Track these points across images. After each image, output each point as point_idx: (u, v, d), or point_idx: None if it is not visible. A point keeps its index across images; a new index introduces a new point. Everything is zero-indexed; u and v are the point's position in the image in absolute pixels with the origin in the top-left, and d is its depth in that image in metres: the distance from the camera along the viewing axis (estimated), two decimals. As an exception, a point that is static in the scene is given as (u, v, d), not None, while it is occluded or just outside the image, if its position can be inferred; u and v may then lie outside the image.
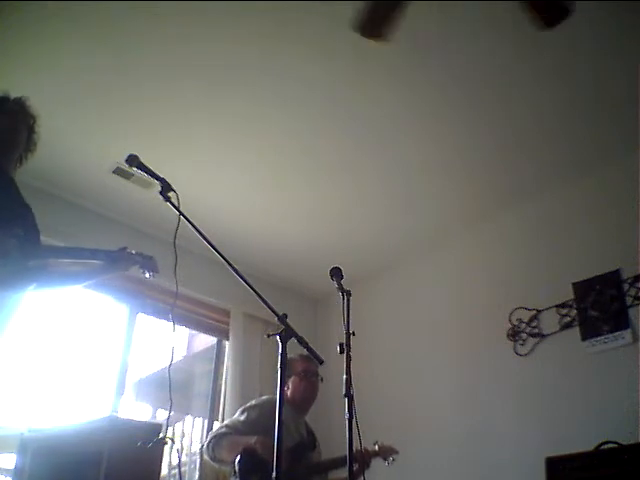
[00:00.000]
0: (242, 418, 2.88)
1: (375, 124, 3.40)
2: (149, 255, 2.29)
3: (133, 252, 2.28)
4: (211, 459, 2.80)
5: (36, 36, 2.84)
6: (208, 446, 2.78)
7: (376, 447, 3.01)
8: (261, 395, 3.59)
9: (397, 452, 3.06)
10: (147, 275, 2.31)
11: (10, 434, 2.80)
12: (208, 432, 4.42)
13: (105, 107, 3.27)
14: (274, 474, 1.73)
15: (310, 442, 3.03)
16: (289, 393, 3.04)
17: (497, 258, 4.09)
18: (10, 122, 2.17)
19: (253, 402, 3.01)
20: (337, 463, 2.92)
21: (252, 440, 2.63)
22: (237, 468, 2.60)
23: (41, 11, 2.69)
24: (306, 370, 3.07)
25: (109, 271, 2.25)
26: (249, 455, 2.61)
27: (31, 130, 2.24)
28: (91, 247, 2.25)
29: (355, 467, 2.87)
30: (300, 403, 3.05)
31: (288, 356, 2.93)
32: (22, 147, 2.22)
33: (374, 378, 4.24)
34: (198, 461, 3.23)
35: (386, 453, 3.02)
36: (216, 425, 4.35)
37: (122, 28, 2.82)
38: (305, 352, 2.90)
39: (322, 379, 3.11)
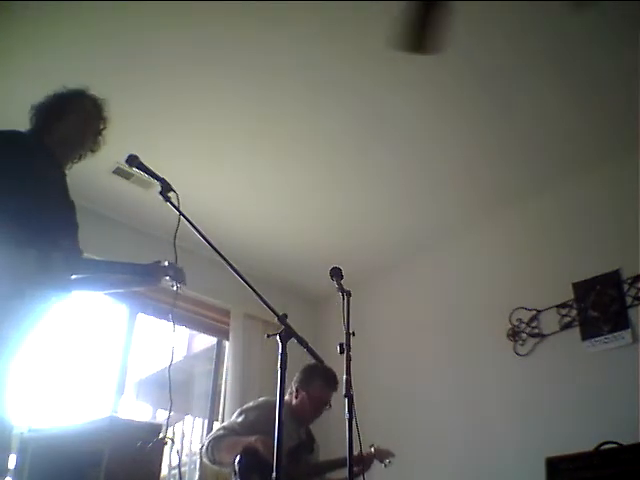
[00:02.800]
0: (240, 420, 2.85)
1: (376, 124, 3.40)
2: (180, 267, 2.27)
3: (166, 264, 2.24)
4: (210, 462, 2.78)
5: (35, 36, 2.84)
6: (207, 449, 2.76)
7: (372, 450, 2.99)
8: (260, 395, 3.58)
9: (394, 455, 3.04)
10: (175, 287, 2.29)
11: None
12: (208, 432, 4.43)
13: (105, 107, 3.26)
14: (274, 474, 1.72)
15: (308, 445, 3.01)
16: (294, 402, 3.01)
17: (497, 258, 4.09)
18: (80, 124, 2.17)
19: (251, 404, 2.98)
20: (335, 464, 2.91)
21: (252, 439, 2.62)
22: (237, 468, 2.58)
23: (38, 11, 2.69)
24: (323, 400, 3.00)
25: (141, 284, 2.30)
26: (250, 454, 2.59)
27: (99, 133, 2.24)
28: (127, 261, 2.25)
29: (355, 470, 2.88)
30: (300, 418, 3.01)
31: (313, 365, 2.93)
32: (86, 148, 2.22)
33: (374, 378, 4.24)
34: (198, 462, 3.22)
35: (383, 456, 3.00)
36: (216, 425, 4.35)
37: (122, 28, 2.82)
38: (329, 371, 2.91)
39: (330, 406, 3.02)
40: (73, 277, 2.06)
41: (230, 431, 2.81)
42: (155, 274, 2.21)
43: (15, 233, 1.84)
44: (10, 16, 2.72)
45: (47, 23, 2.78)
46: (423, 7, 1.98)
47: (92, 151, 2.26)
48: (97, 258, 2.43)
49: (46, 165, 2.07)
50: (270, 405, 2.67)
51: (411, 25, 2.03)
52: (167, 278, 2.22)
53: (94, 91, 3.15)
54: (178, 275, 2.23)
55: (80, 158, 2.24)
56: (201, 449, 2.85)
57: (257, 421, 2.78)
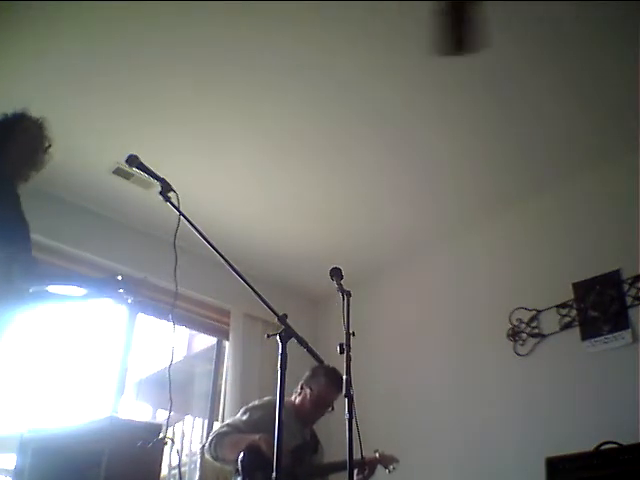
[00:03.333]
0: (244, 418, 2.85)
1: (377, 125, 3.40)
2: (140, 278, 2.37)
3: (119, 278, 2.35)
4: (213, 458, 2.77)
5: (34, 36, 2.84)
6: (210, 445, 2.75)
7: (377, 455, 2.99)
8: (260, 395, 3.58)
9: (398, 461, 3.04)
10: (128, 300, 2.38)
11: (10, 434, 2.80)
12: (208, 432, 4.43)
13: (105, 107, 3.27)
14: (274, 474, 1.73)
15: (313, 445, 3.01)
16: (298, 401, 3.02)
17: (497, 258, 4.09)
18: (32, 142, 2.30)
19: (256, 402, 2.98)
20: (339, 467, 2.90)
21: (256, 437, 2.62)
22: (240, 465, 2.58)
23: (38, 10, 2.69)
24: (325, 399, 2.99)
25: (96, 297, 2.35)
26: (253, 452, 2.58)
27: (45, 152, 2.36)
28: (82, 275, 2.38)
29: (360, 476, 2.88)
30: (304, 417, 3.02)
31: (318, 365, 2.93)
32: (37, 167, 2.34)
33: (374, 378, 4.24)
34: (198, 461, 3.21)
35: (387, 461, 3.00)
36: (216, 425, 4.35)
37: (121, 27, 2.82)
38: (336, 372, 2.91)
39: (333, 408, 3.01)
40: (31, 290, 2.18)
41: (234, 428, 2.80)
42: (109, 287, 2.31)
43: None
44: (10, 16, 2.72)
45: (47, 23, 2.77)
46: (455, 7, 1.94)
47: (37, 171, 2.36)
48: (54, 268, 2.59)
49: (4, 186, 2.19)
50: (275, 405, 2.71)
51: (445, 26, 1.98)
52: (121, 291, 2.32)
53: (94, 91, 3.17)
54: (132, 288, 2.34)
55: (28, 179, 2.34)
56: (204, 445, 2.84)
57: (261, 420, 2.77)
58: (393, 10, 2.67)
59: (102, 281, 2.34)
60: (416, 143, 3.54)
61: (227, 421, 3.02)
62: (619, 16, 2.69)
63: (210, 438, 2.80)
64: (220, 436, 2.77)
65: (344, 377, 2.18)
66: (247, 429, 2.76)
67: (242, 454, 2.59)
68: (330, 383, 2.96)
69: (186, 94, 3.19)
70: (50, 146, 2.35)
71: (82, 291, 2.34)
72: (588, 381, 3.32)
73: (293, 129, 3.45)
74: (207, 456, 2.81)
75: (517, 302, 3.78)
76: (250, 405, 2.97)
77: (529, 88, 3.13)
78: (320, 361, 2.10)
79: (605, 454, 2.51)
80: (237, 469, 2.68)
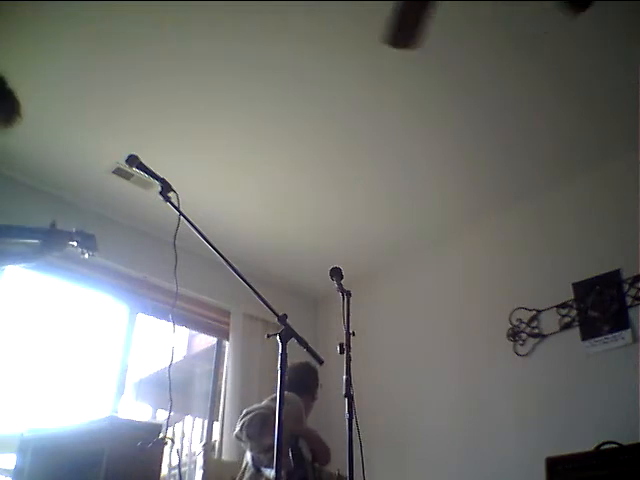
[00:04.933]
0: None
1: (377, 124, 3.39)
2: (89, 233, 2.26)
3: (73, 230, 2.25)
4: (249, 436, 2.66)
5: (34, 35, 2.83)
6: (250, 422, 2.66)
7: (337, 472, 2.91)
8: (260, 395, 3.58)
9: None
10: (86, 255, 2.27)
11: (10, 434, 2.80)
12: (208, 432, 4.43)
13: (105, 107, 3.27)
14: (274, 473, 1.73)
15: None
16: (307, 400, 3.06)
17: (497, 258, 4.09)
18: None
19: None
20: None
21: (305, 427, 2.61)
22: (292, 454, 2.54)
23: (38, 10, 2.69)
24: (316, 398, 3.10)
25: (46, 250, 2.24)
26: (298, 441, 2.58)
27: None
28: (30, 226, 2.21)
29: None
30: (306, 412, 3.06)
31: (309, 367, 2.95)
32: None
33: (374, 378, 4.24)
34: (200, 460, 3.20)
35: None
36: (216, 425, 4.36)
37: (121, 27, 2.81)
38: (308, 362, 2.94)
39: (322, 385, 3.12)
40: None
41: (273, 413, 2.76)
42: (55, 237, 2.20)
43: None
44: (9, 16, 2.72)
45: (47, 22, 2.77)
46: (407, 3, 2.05)
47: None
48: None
49: None
50: (296, 399, 2.81)
51: (394, 19, 2.10)
52: (74, 244, 2.22)
53: (94, 91, 3.17)
54: (86, 242, 2.24)
55: None
56: (243, 422, 2.71)
57: (293, 411, 2.75)
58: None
59: (52, 231, 2.22)
60: (417, 144, 3.54)
61: (257, 405, 2.90)
62: (619, 16, 2.69)
63: (250, 416, 2.69)
64: (263, 416, 2.67)
65: (344, 377, 2.18)
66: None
67: (294, 441, 2.54)
68: (314, 369, 3.06)
69: (186, 94, 3.19)
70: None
71: (35, 245, 2.22)
72: (588, 381, 3.32)
73: (293, 129, 3.45)
74: (241, 435, 2.70)
75: (517, 302, 3.78)
76: (273, 396, 2.93)
77: (529, 88, 3.12)
78: (320, 361, 2.10)
79: (605, 454, 2.52)
80: (291, 454, 2.65)
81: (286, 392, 2.95)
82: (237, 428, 2.76)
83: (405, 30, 2.13)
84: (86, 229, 2.28)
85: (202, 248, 1.97)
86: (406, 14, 2.08)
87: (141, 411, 6.67)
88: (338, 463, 2.88)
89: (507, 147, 3.55)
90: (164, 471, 4.63)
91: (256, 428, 2.65)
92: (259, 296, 1.93)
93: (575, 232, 3.70)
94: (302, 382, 3.07)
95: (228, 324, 4.57)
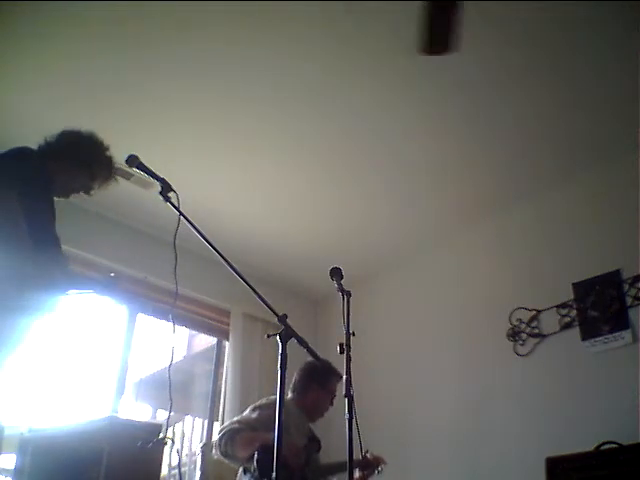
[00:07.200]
0: (254, 416, 2.78)
1: (376, 124, 3.39)
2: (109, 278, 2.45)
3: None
4: (222, 455, 2.68)
5: (35, 36, 2.84)
6: (220, 441, 2.67)
7: (368, 455, 2.97)
8: (260, 395, 3.58)
9: (386, 462, 3.04)
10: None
11: (10, 434, 2.80)
12: (208, 432, 4.43)
13: (105, 108, 3.26)
14: (274, 474, 1.73)
15: (317, 443, 3.01)
16: (307, 399, 3.02)
17: (497, 258, 4.09)
18: (86, 183, 2.39)
19: (264, 401, 2.93)
20: (343, 467, 2.89)
21: (270, 436, 2.59)
22: (257, 465, 2.49)
23: (40, 10, 2.69)
24: (334, 392, 3.06)
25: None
26: (270, 452, 2.56)
27: (99, 187, 2.47)
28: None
29: (361, 474, 2.89)
30: (313, 414, 3.04)
31: (323, 361, 2.96)
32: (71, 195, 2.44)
33: (374, 378, 4.24)
34: (199, 461, 3.20)
35: (377, 462, 3.01)
36: (216, 425, 4.36)
37: (122, 28, 2.82)
38: (329, 362, 2.93)
39: (335, 396, 3.09)
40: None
41: (246, 426, 2.72)
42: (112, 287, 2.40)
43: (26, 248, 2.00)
44: (10, 18, 2.72)
45: (47, 22, 2.77)
46: (435, 7, 2.01)
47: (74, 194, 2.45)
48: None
49: (45, 187, 2.27)
50: (285, 404, 2.72)
51: (424, 25, 2.05)
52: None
53: (94, 91, 3.17)
54: (102, 290, 2.43)
55: (66, 197, 2.44)
56: (214, 442, 2.74)
57: (272, 419, 2.74)
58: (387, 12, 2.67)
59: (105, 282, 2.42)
60: (416, 144, 3.54)
61: (236, 418, 2.93)
62: (619, 16, 2.69)
63: (221, 434, 2.71)
64: (232, 433, 2.68)
65: (344, 377, 2.18)
66: (258, 427, 2.68)
67: (257, 453, 2.51)
68: (338, 377, 2.99)
69: (187, 95, 3.19)
70: (106, 183, 2.42)
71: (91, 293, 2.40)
72: (588, 381, 3.32)
73: (293, 129, 3.45)
74: (215, 452, 2.71)
75: (517, 302, 3.78)
76: (258, 403, 2.91)
77: (529, 88, 3.12)
78: (320, 361, 2.10)
79: (605, 454, 2.52)
80: (245, 468, 2.65)
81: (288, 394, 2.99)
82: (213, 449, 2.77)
83: (439, 36, 2.09)
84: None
85: (202, 248, 1.97)
86: (437, 20, 2.04)
87: (141, 411, 6.67)
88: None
89: (507, 148, 3.55)
90: (164, 471, 4.63)
91: (226, 447, 2.65)
92: (259, 296, 1.93)
93: (575, 232, 3.70)
94: (301, 382, 3.07)
95: (228, 324, 4.57)
